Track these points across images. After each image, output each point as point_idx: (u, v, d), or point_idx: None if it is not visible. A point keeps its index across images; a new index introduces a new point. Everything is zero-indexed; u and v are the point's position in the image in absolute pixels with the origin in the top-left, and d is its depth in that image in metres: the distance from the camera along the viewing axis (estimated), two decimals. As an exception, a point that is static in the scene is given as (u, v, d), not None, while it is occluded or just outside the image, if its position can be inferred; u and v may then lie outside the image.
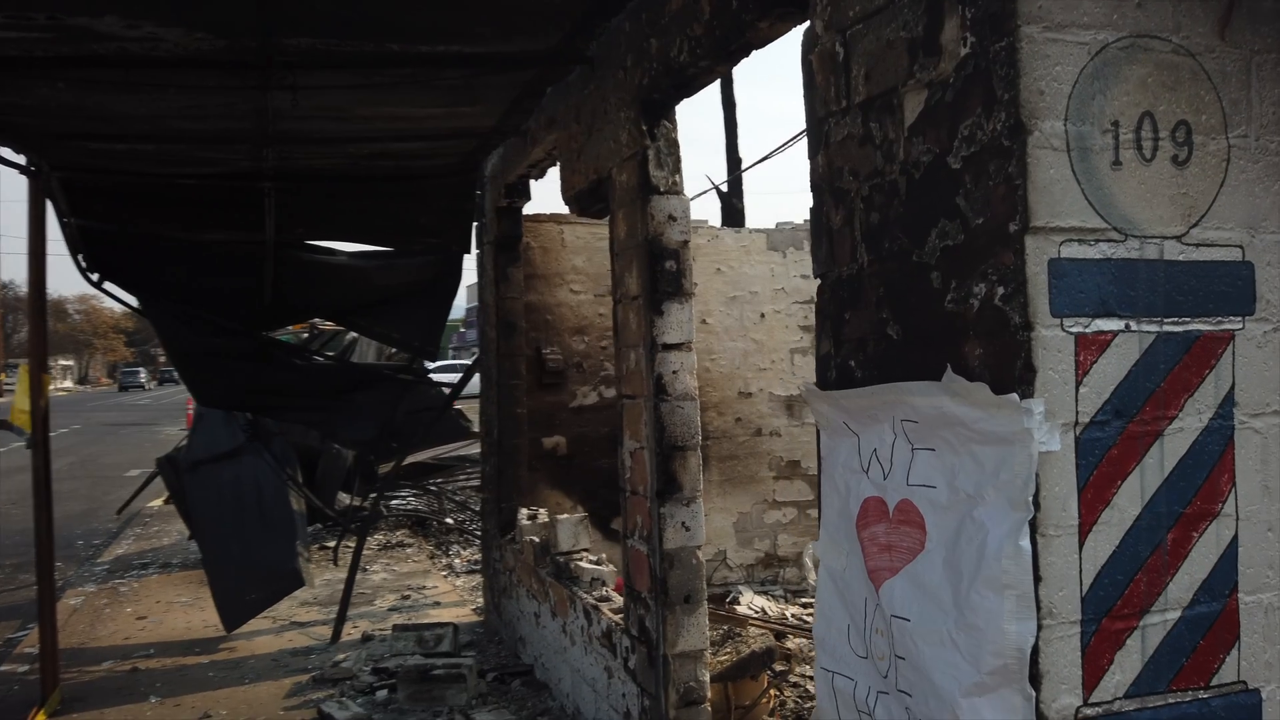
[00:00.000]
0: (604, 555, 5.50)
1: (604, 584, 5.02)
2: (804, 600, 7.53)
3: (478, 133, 5.59)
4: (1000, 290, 2.02)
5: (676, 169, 3.93)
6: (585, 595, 4.90)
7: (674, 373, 3.87)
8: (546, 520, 6.11)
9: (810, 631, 6.30)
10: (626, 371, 4.14)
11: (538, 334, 7.19)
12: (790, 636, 5.84)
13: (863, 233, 2.52)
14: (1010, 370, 2.01)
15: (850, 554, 2.55)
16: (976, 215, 2.09)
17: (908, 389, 2.24)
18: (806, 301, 7.92)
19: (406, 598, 8.20)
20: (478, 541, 10.59)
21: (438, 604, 8.01)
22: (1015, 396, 1.97)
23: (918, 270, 2.29)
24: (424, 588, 8.59)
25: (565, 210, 7.93)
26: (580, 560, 5.25)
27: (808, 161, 2.78)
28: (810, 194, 2.78)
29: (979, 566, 2.04)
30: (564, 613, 5.14)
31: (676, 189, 3.92)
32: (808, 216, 3.28)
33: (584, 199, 4.65)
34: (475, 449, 14.60)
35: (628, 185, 4.05)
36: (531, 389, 7.00)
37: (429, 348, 7.46)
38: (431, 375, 9.23)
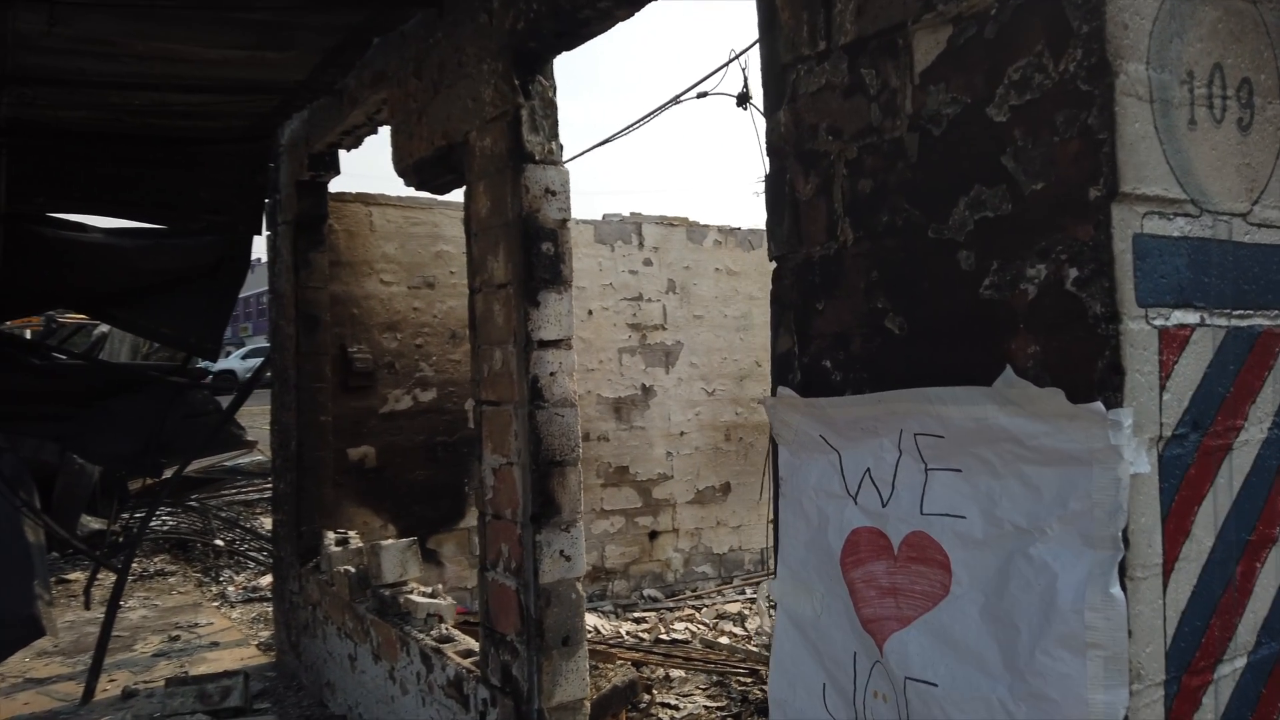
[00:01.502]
0: (439, 586, 4.78)
1: (442, 620, 4.31)
2: (636, 615, 7.10)
3: (283, 88, 4.69)
4: (1073, 272, 1.62)
5: (554, 134, 3.33)
6: (421, 635, 4.17)
7: (552, 374, 3.27)
8: (361, 546, 5.28)
9: (675, 658, 5.91)
10: (489, 374, 3.49)
11: (343, 330, 6.30)
12: (650, 665, 5.37)
13: (846, 204, 2.06)
14: (1085, 373, 1.60)
15: (829, 597, 2.08)
16: (1033, 179, 1.68)
17: (933, 396, 1.80)
18: (635, 298, 7.50)
19: (175, 638, 6.98)
20: (254, 565, 9.37)
21: (215, 644, 6.87)
22: (1100, 405, 1.56)
23: (936, 249, 1.85)
24: (195, 625, 7.37)
25: (373, 189, 7.09)
26: (410, 593, 4.51)
27: (764, 120, 2.29)
28: (767, 158, 2.29)
29: (1047, 620, 1.62)
30: (391, 655, 4.38)
31: (554, 158, 3.33)
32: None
33: (426, 170, 3.93)
34: (246, 459, 13.14)
35: (492, 152, 3.40)
36: (336, 393, 6.11)
37: (208, 345, 6.36)
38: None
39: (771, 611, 5.63)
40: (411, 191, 6.95)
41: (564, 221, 3.33)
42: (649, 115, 5.49)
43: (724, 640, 6.51)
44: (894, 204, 1.95)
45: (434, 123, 3.80)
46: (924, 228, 1.88)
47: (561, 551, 3.28)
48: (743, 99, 4.88)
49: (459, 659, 3.84)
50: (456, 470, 6.72)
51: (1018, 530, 1.70)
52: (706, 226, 7.87)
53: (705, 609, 7.21)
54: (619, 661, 5.04)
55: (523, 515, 3.29)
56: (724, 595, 7.60)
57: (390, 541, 4.73)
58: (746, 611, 7.13)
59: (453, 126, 3.65)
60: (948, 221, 1.83)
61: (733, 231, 8.00)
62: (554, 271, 3.28)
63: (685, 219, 7.79)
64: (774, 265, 2.28)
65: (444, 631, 4.23)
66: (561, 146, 3.37)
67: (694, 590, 7.72)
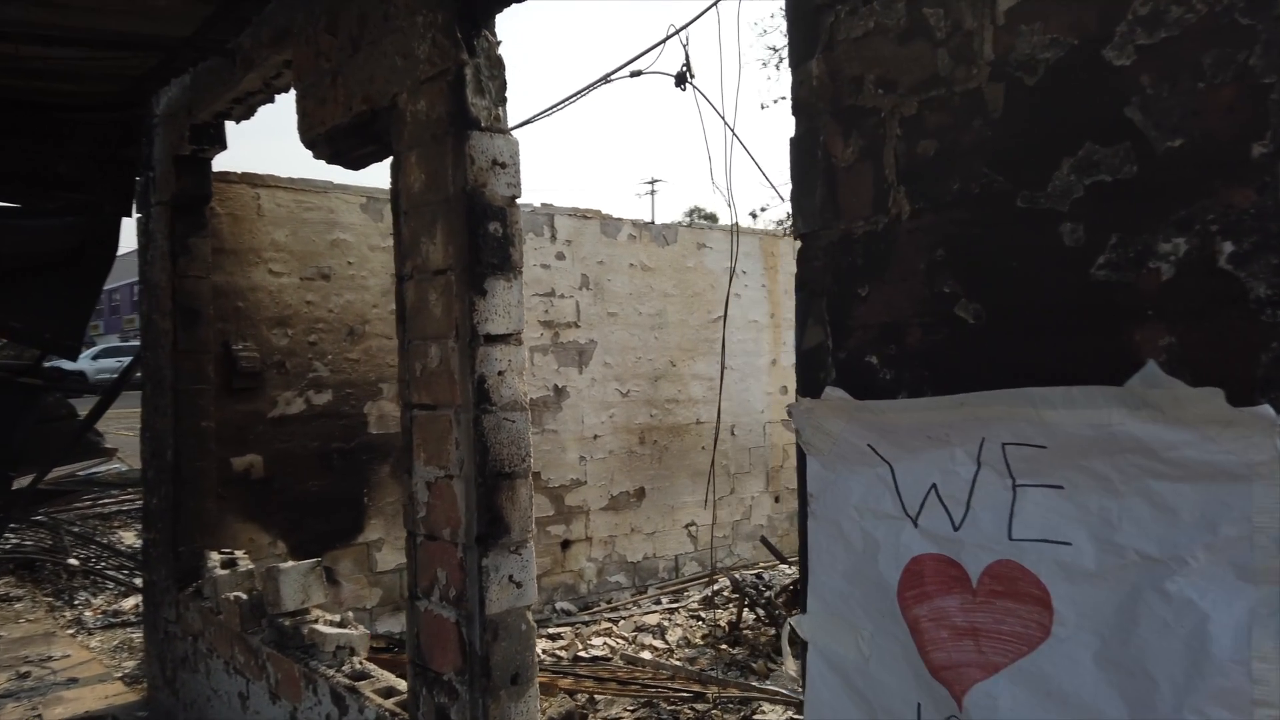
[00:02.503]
0: (348, 614, 4.25)
1: (354, 653, 3.80)
2: (550, 631, 6.67)
3: (163, 45, 4.07)
4: (1228, 247, 1.33)
5: (501, 98, 2.91)
6: (330, 671, 3.65)
7: (500, 374, 2.85)
8: (253, 568, 4.69)
9: (609, 682, 5.47)
10: (422, 373, 3.03)
11: (226, 326, 5.64)
12: (581, 692, 4.97)
13: (901, 170, 1.74)
14: (1242, 369, 1.32)
15: (880, 637, 1.75)
16: (1169, 134, 1.39)
17: (1036, 398, 1.48)
18: (547, 294, 7.07)
19: (26, 675, 6.14)
20: (113, 585, 8.47)
21: (73, 680, 6.07)
22: (1268, 409, 1.28)
23: (1027, 222, 1.55)
24: (49, 658, 6.52)
25: (261, 170, 6.42)
26: (316, 622, 3.98)
27: (789, 73, 1.94)
28: (793, 118, 1.94)
29: (1198, 671, 1.33)
30: (294, 695, 3.84)
31: (502, 125, 2.90)
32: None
33: (342, 140, 3.43)
34: (104, 468, 12.00)
35: (428, 118, 2.94)
36: (219, 396, 5.45)
37: (67, 341, 5.58)
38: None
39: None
40: (304, 173, 6.33)
41: (514, 199, 2.91)
42: (574, 96, 5.10)
43: (646, 655, 6.16)
44: (968, 168, 1.63)
45: (353, 85, 3.30)
46: (1010, 196, 1.57)
47: (511, 577, 2.86)
48: (681, 79, 4.54)
49: (379, 699, 3.36)
50: (355, 480, 6.14)
51: (1146, 560, 1.40)
52: (620, 220, 7.52)
53: (623, 621, 6.85)
54: (556, 692, 4.62)
55: (465, 536, 2.85)
56: (640, 606, 7.25)
57: (290, 564, 4.17)
58: (665, 623, 6.81)
59: (376, 89, 3.17)
60: (1045, 188, 1.52)
61: (647, 226, 7.68)
62: (502, 256, 2.86)
63: (599, 211, 7.42)
64: (798, 244, 1.94)
65: (358, 666, 3.72)
66: (507, 113, 2.95)
67: (608, 601, 7.35)
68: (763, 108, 20.76)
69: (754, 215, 26.90)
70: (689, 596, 7.47)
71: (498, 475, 2.83)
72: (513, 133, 2.94)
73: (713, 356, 8.04)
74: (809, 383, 1.90)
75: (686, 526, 7.88)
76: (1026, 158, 1.55)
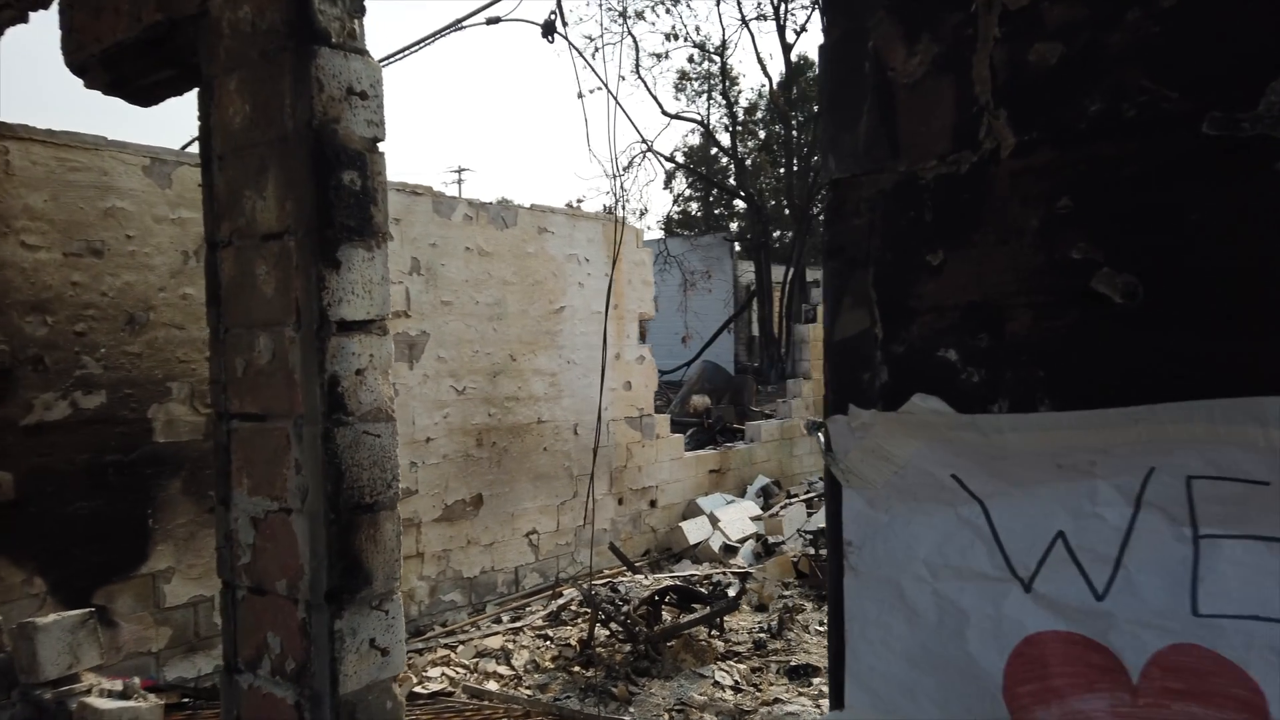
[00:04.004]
0: (135, 680, 3.35)
1: (144, 733, 2.95)
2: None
3: None
4: None
5: (359, 6, 2.20)
6: (111, 761, 2.80)
7: (359, 373, 2.15)
8: (-1, 620, 3.66)
9: None
10: (245, 372, 2.27)
11: (-38, 310, 4.48)
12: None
13: (1002, 86, 1.23)
14: None
15: (971, 747, 1.24)
16: None
17: (1267, 411, 1.01)
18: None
19: None
20: None
21: None
22: None
23: (1221, 155, 1.07)
24: None
25: (9, 118, 5.20)
26: (89, 694, 3.07)
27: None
28: (824, 18, 1.39)
29: None
30: (58, 792, 2.94)
31: (359, 43, 2.19)
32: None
33: (125, 61, 2.58)
34: None
35: (255, 28, 2.18)
36: (-48, 399, 4.31)
37: None
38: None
39: None
40: (67, 125, 5.18)
41: (375, 141, 2.20)
42: (425, 40, 4.39)
43: (492, 686, 5.49)
44: (1116, 81, 1.14)
45: (141, -14, 2.47)
46: (1191, 120, 1.09)
47: (373, 641, 2.16)
48: (550, 28, 3.94)
49: (182, 801, 2.56)
50: (136, 499, 5.10)
51: None
52: (455, 198, 6.76)
53: (461, 647, 6.13)
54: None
55: (309, 590, 2.13)
56: (480, 627, 6.55)
57: (52, 618, 3.22)
58: (510, 645, 6.15)
59: (177, -9, 2.37)
60: (1254, 106, 1.05)
61: (484, 206, 6.96)
62: (362, 216, 2.16)
63: (430, 188, 6.63)
64: (827, 195, 1.39)
65: (149, 751, 2.88)
66: (363, 29, 2.24)
67: (444, 624, 6.60)
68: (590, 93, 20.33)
69: (572, 206, 26.47)
70: (532, 612, 6.84)
71: (356, 508, 2.13)
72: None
73: (555, 350, 7.44)
74: (846, 386, 1.36)
75: (528, 535, 7.24)
76: (1221, 64, 1.08)
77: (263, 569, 2.24)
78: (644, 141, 24.79)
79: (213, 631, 5.36)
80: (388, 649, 2.18)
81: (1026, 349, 1.21)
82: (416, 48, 4.44)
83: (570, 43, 3.43)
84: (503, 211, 7.05)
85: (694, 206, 31.82)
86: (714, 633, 6.07)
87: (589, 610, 6.12)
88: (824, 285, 1.40)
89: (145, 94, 2.66)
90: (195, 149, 3.78)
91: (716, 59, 25.09)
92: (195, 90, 2.48)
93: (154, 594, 5.15)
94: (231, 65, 2.25)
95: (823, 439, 1.37)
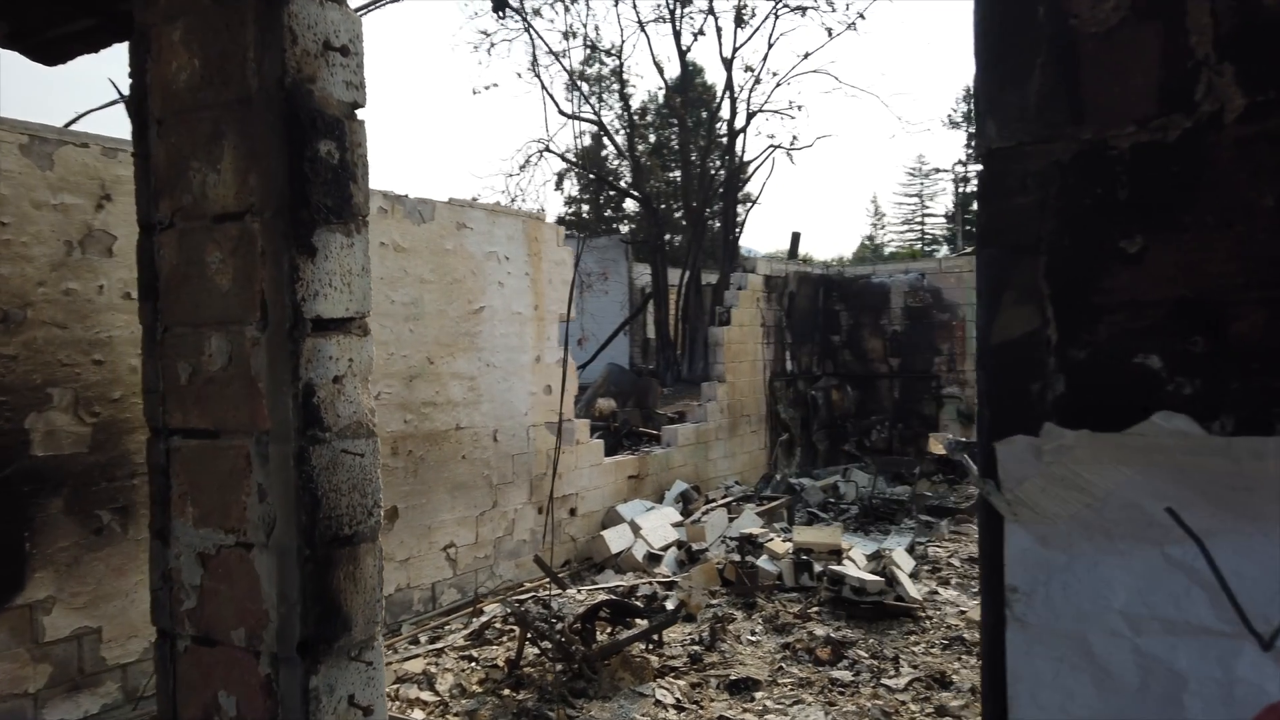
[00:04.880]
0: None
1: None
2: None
3: None
4: None
5: (337, -53, 1.86)
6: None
7: (338, 380, 1.81)
8: None
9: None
10: (192, 379, 1.90)
11: None
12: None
13: (1225, 37, 1.03)
14: None
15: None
16: None
17: None
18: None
19: None
20: None
21: None
22: None
23: None
24: None
25: None
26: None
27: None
28: (977, -44, 1.17)
29: None
30: None
31: (336, -10, 1.86)
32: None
33: (35, 5, 2.15)
34: None
35: (206, -36, 1.82)
36: None
37: None
38: None
39: None
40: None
41: (355, 107, 1.87)
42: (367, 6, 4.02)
43: (418, 715, 5.10)
44: (1376, 36, 0.95)
45: (53, -84, 2.06)
46: None
47: (352, 699, 1.83)
48: (501, 3, 3.63)
49: None
50: (10, 520, 4.50)
51: None
52: (370, 190, 6.31)
53: (379, 671, 5.69)
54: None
55: (275, 641, 1.78)
56: (398, 650, 6.12)
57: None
58: (433, 669, 5.76)
59: (101, -78, 1.97)
60: None
61: (400, 199, 6.54)
62: (340, 195, 1.83)
63: (341, 179, 6.16)
64: (983, 168, 1.17)
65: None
66: (338, -21, 1.90)
67: (357, 647, 6.14)
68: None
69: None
70: (453, 631, 6.45)
71: (334, 541, 1.79)
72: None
73: (474, 353, 7.07)
74: (1007, 398, 1.14)
75: (445, 549, 6.84)
76: None
77: (213, 615, 1.88)
78: (542, 140, 24.40)
79: (100, 668, 4.80)
80: (370, 707, 1.85)
81: (1259, 355, 1.01)
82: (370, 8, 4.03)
83: (524, 19, 3.13)
84: (420, 205, 6.64)
85: (585, 209, 31.60)
86: (650, 648, 5.83)
87: (516, 628, 5.78)
88: (978, 276, 1.17)
89: (53, 49, 2.23)
90: (81, 126, 3.33)
91: (610, 60, 24.98)
92: (112, 48, 2.09)
93: (32, 627, 4.56)
94: (175, 11, 1.87)
95: (969, 463, 1.15)
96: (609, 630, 5.83)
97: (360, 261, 1.87)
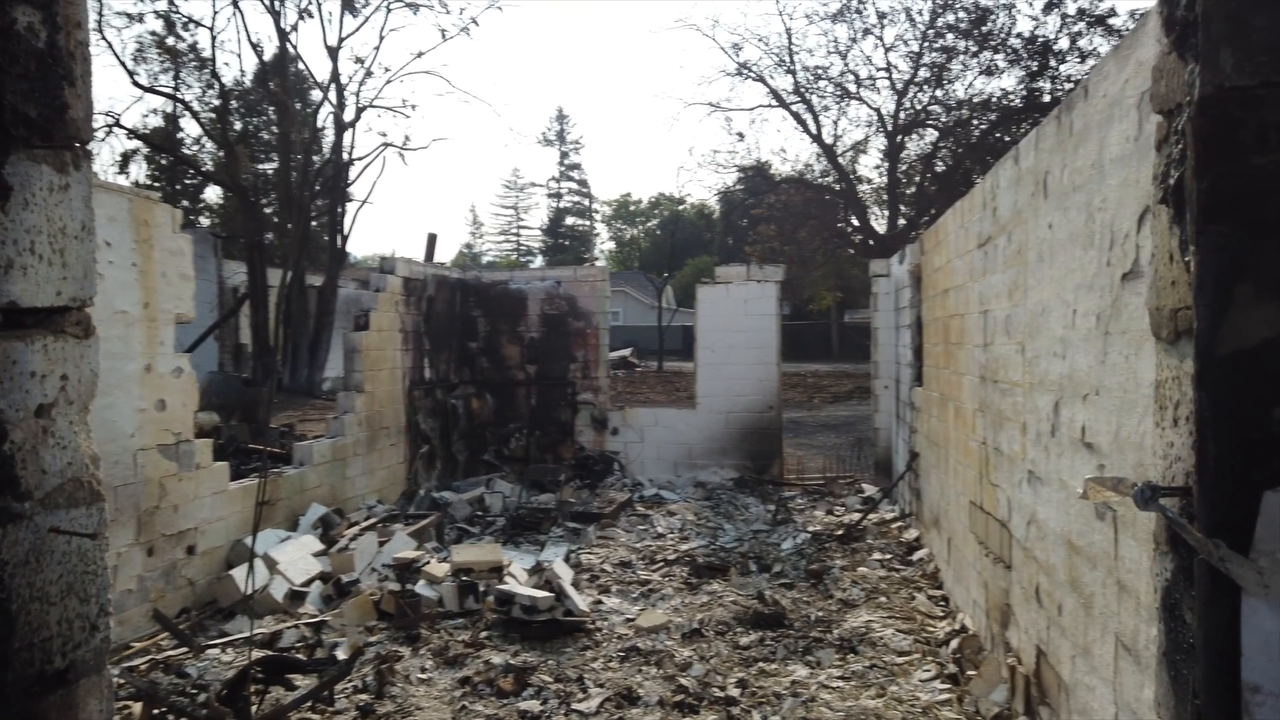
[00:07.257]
0: None
1: None
2: None
3: None
4: None
5: None
6: None
7: (41, 411, 1.08)
8: None
9: None
10: None
11: None
12: None
13: None
14: None
15: None
16: None
17: None
18: None
19: None
20: None
21: None
22: None
23: None
24: None
25: None
26: None
27: None
28: None
29: None
30: None
31: None
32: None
33: None
34: None
35: None
36: None
37: None
38: None
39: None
40: None
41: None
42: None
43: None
44: None
45: None
46: None
47: None
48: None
49: None
50: None
51: None
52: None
53: None
54: None
55: None
56: None
57: None
58: None
59: None
60: None
61: None
62: (48, 101, 1.10)
63: None
64: (1198, 118, 0.88)
65: None
66: None
67: None
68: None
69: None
70: None
71: (39, 681, 1.06)
72: None
73: (64, 361, 5.62)
74: (1242, 427, 0.86)
75: None
76: None
77: None
78: (111, 115, 21.06)
79: None
80: None
81: None
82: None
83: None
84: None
85: (156, 196, 28.02)
86: (312, 705, 5.00)
87: (135, 706, 4.64)
88: (1199, 262, 0.88)
89: None
90: None
91: (187, 35, 22.28)
92: None
93: None
94: None
95: (1171, 516, 0.86)
96: (264, 694, 4.90)
97: (80, 216, 1.14)
